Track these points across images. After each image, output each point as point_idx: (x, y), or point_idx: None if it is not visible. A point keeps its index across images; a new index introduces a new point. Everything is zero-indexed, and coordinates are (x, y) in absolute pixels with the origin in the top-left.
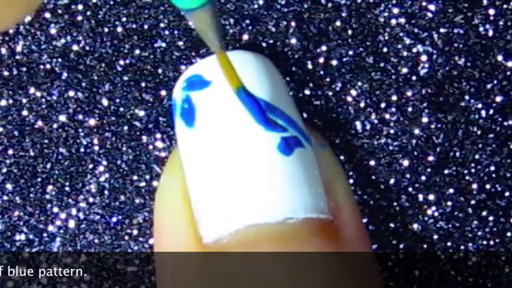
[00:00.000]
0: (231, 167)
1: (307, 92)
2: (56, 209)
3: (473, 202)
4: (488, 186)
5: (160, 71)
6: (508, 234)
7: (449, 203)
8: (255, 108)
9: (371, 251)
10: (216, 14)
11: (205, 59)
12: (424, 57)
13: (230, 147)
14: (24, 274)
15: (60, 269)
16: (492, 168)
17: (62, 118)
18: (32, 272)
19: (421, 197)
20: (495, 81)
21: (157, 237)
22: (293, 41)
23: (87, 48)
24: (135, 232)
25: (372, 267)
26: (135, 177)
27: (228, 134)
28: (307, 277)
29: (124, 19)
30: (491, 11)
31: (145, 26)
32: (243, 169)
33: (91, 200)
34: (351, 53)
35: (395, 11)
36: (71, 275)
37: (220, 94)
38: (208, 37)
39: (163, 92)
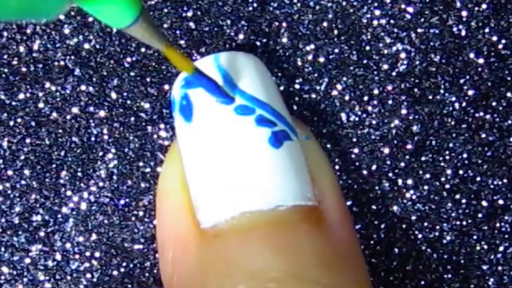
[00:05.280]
0: (226, 159)
1: (297, 86)
2: (69, 193)
3: (447, 186)
4: (461, 172)
5: (163, 67)
6: (479, 215)
7: (426, 187)
8: (211, 85)
9: (354, 232)
10: (149, 22)
11: (202, 59)
12: (403, 55)
13: (225, 141)
14: (41, 252)
15: (73, 247)
16: (465, 155)
17: (75, 110)
18: (48, 249)
19: (400, 181)
20: (467, 77)
21: (159, 222)
22: (284, 40)
23: (98, 46)
24: (141, 213)
25: (355, 247)
26: (141, 164)
27: (223, 129)
28: (297, 258)
29: None
30: (464, 13)
31: None
32: (237, 161)
33: (101, 184)
34: (336, 51)
35: (377, 12)
36: (83, 252)
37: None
38: (152, 42)
39: (166, 87)
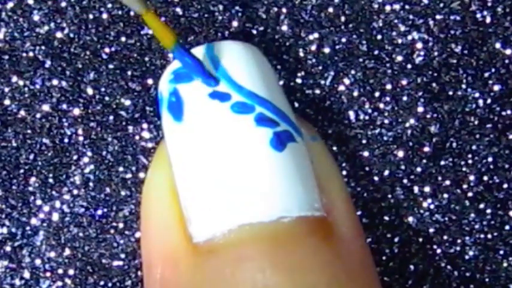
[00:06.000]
0: (222, 164)
1: (298, 80)
2: (39, 202)
3: (470, 194)
4: (485, 178)
5: (147, 59)
6: (507, 227)
7: (445, 195)
8: (195, 64)
9: (367, 247)
10: None
11: (193, 49)
12: (419, 45)
13: (221, 143)
14: (7, 269)
15: (43, 263)
16: (490, 159)
17: (46, 107)
18: (15, 266)
19: (416, 189)
20: (493, 70)
21: (145, 236)
22: (284, 28)
23: (72, 35)
24: (120, 225)
25: (368, 263)
26: (120, 169)
27: (217, 129)
28: (303, 277)
29: (109, 5)
30: None
31: (132, 13)
32: (234, 166)
33: (75, 192)
34: (344, 40)
35: None
36: (55, 269)
37: (207, 87)
38: (131, 3)
39: (150, 81)
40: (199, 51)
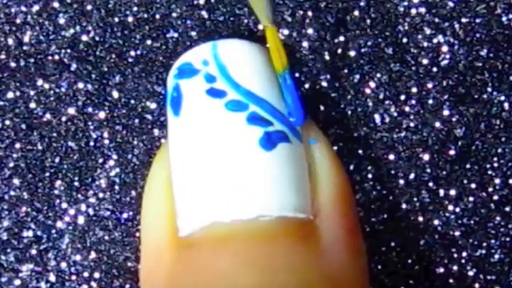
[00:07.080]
0: (210, 160)
1: (324, 83)
2: (64, 205)
3: (496, 197)
4: (511, 181)
5: (171, 62)
6: None
7: (471, 199)
8: (293, 98)
9: (357, 256)
10: None
11: (199, 46)
12: (445, 48)
13: (211, 140)
14: (32, 272)
15: (69, 267)
16: None
17: (71, 111)
18: (40, 269)
19: (442, 192)
20: None
21: (142, 229)
22: (310, 31)
23: (97, 38)
24: None
25: (353, 270)
26: (146, 172)
27: (210, 125)
28: (273, 277)
29: (135, 8)
30: None
31: (157, 16)
32: (222, 163)
33: (101, 195)
34: (369, 43)
35: (416, 0)
36: (80, 272)
37: (206, 83)
38: (261, 9)
39: None
40: (204, 49)
